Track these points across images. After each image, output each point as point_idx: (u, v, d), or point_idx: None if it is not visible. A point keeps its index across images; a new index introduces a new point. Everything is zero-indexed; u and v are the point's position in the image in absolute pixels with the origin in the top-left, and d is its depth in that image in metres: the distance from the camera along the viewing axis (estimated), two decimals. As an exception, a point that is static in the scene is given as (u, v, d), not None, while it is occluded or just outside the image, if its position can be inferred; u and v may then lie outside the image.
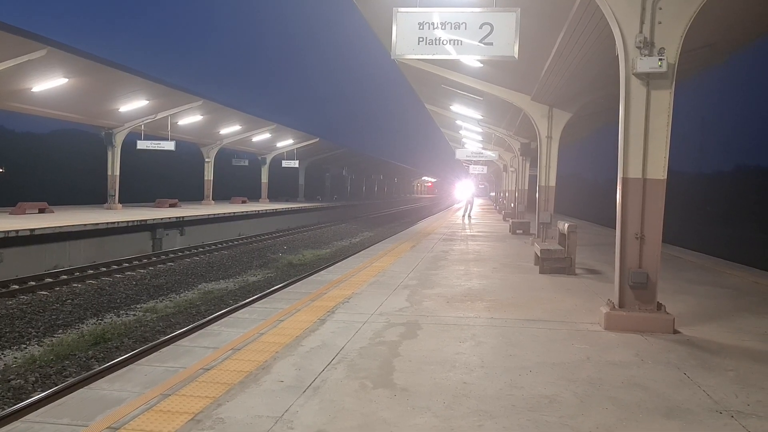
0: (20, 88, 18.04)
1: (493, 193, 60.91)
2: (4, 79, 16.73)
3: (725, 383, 4.85)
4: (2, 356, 8.92)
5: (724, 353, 5.73)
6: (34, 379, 7.91)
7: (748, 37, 10.46)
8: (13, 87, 17.88)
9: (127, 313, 11.98)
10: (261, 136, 34.45)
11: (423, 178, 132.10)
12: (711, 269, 12.03)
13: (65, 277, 14.87)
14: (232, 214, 27.65)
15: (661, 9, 6.22)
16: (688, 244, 18.22)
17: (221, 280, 16.40)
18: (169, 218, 22.10)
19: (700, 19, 6.26)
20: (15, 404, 6.89)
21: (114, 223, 18.69)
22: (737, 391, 4.68)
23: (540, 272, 10.76)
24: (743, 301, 8.57)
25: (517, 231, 20.13)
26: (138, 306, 12.67)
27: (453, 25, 6.69)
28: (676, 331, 6.45)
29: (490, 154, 27.31)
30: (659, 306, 6.56)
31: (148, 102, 22.59)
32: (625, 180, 6.50)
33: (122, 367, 5.51)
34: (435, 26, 6.73)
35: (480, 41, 6.65)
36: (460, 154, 29.57)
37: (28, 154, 57.70)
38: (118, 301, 12.96)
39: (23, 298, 12.66)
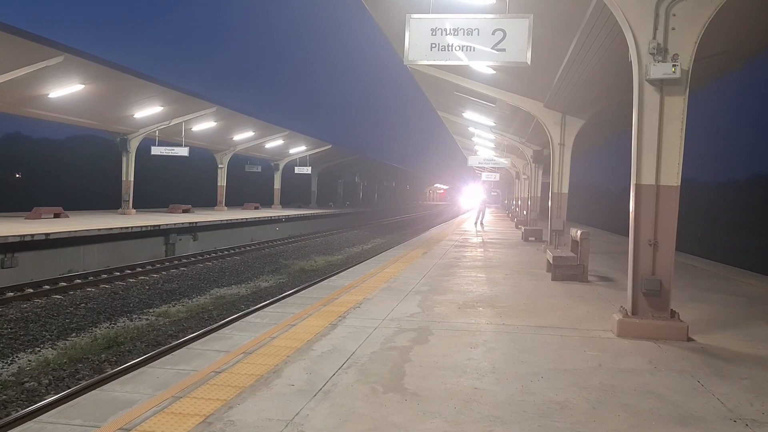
0: (37, 94, 18.27)
1: (506, 201, 60.71)
2: (22, 85, 16.97)
3: (739, 391, 4.79)
4: (17, 359, 9.00)
5: (738, 361, 5.67)
6: (47, 381, 7.97)
7: (764, 43, 10.38)
8: (30, 93, 18.12)
9: (139, 318, 12.05)
10: (274, 143, 34.61)
11: (435, 185, 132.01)
12: (725, 278, 11.91)
13: (79, 281, 15.00)
14: (245, 220, 27.77)
15: (674, 15, 6.20)
16: (704, 253, 18.04)
17: (233, 286, 16.45)
18: (182, 223, 22.25)
19: (714, 25, 6.23)
20: (29, 406, 6.95)
21: (128, 228, 18.85)
22: (752, 399, 4.62)
23: (552, 279, 10.71)
24: (758, 309, 8.47)
25: (530, 238, 20.05)
26: (151, 310, 12.74)
27: (465, 32, 6.68)
28: (689, 339, 6.39)
29: (503, 162, 27.24)
30: (673, 313, 6.50)
31: (162, 108, 22.79)
32: (638, 186, 6.47)
33: (134, 370, 5.54)
34: (447, 32, 6.73)
35: (492, 47, 6.64)
36: (472, 161, 29.52)
37: (44, 159, 58.46)
38: (131, 305, 13.04)
39: (38, 302, 12.79)
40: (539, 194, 23.56)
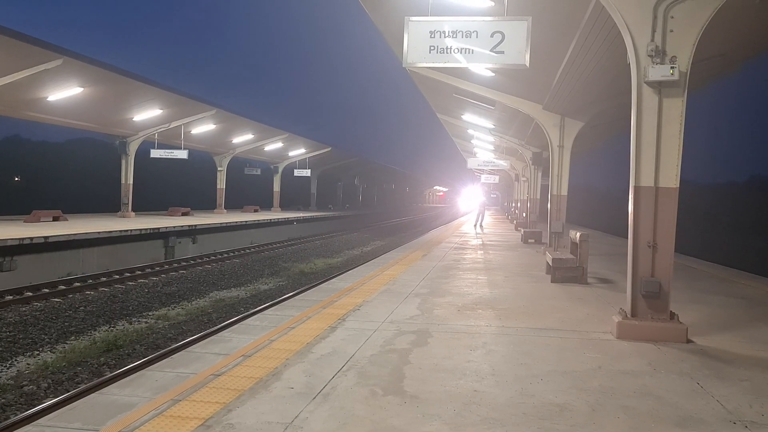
0: (36, 97, 18.28)
1: (506, 203, 60.69)
2: (21, 88, 16.97)
3: (739, 393, 4.79)
4: (15, 362, 8.98)
5: (737, 363, 5.66)
6: (46, 385, 7.96)
7: (762, 46, 10.39)
8: (29, 96, 18.13)
9: (138, 321, 12.03)
10: (273, 145, 34.62)
11: (434, 187, 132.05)
12: (725, 279, 11.91)
13: (78, 284, 14.98)
14: (244, 223, 27.75)
15: (672, 17, 6.21)
16: (704, 255, 18.04)
17: (233, 288, 16.44)
18: (182, 226, 22.23)
19: (712, 27, 6.24)
20: (27, 409, 6.93)
21: (127, 231, 18.83)
22: (751, 401, 4.62)
23: (552, 281, 10.71)
24: (758, 311, 8.47)
25: (529, 240, 20.04)
26: (150, 313, 12.72)
27: (464, 34, 6.68)
28: (689, 341, 6.39)
29: (502, 164, 27.25)
30: (672, 315, 6.50)
31: (161, 111, 22.80)
32: (637, 188, 6.47)
33: (133, 373, 5.54)
34: (446, 35, 6.73)
35: (491, 50, 6.64)
36: (471, 163, 29.52)
37: (43, 162, 58.44)
38: (130, 308, 13.03)
39: (37, 305, 12.77)
40: (539, 196, 23.55)
